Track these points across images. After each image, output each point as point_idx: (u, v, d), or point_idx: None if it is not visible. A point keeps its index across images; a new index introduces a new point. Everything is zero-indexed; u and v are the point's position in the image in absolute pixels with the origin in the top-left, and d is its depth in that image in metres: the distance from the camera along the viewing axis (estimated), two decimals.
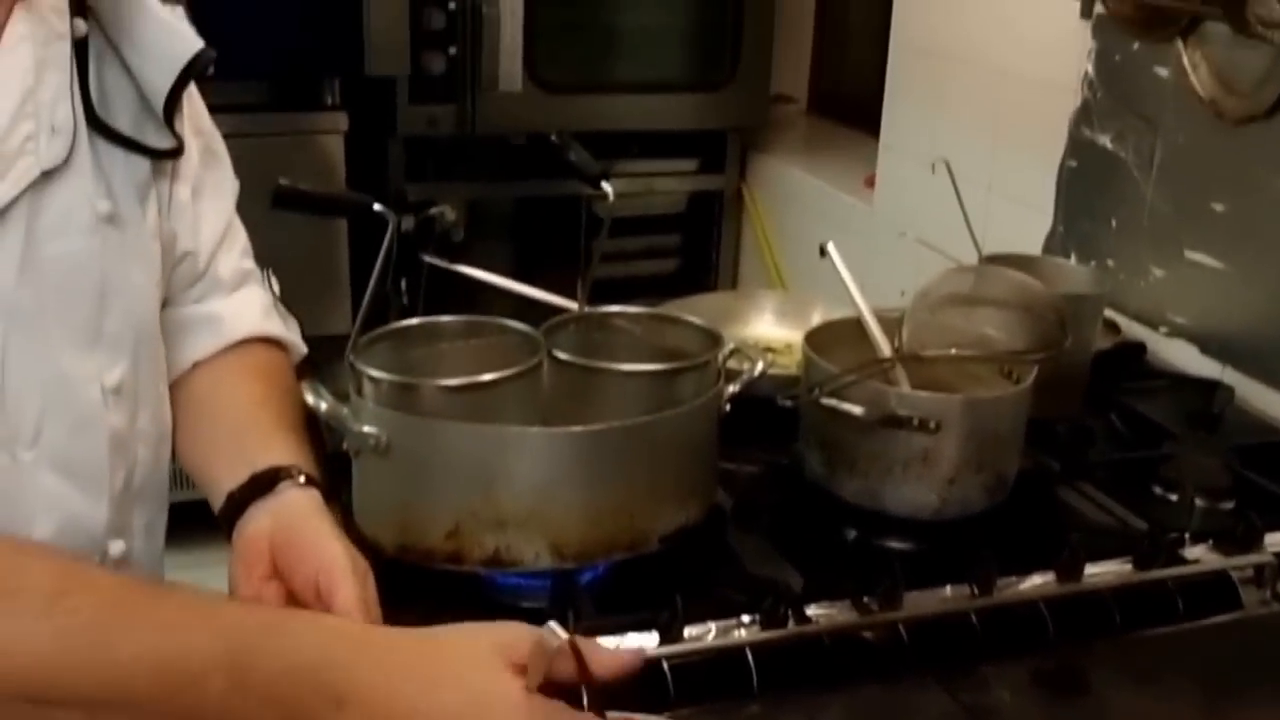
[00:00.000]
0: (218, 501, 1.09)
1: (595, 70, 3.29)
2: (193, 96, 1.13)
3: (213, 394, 1.16)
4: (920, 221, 2.50)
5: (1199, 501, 1.54)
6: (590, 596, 1.27)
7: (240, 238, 1.22)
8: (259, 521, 1.04)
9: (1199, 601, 1.27)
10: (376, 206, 1.29)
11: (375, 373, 1.28)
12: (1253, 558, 1.32)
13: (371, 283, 1.46)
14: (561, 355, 1.34)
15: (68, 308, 0.99)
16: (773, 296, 1.97)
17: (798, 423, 1.50)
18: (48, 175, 0.96)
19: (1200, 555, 1.34)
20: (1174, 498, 1.55)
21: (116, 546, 1.06)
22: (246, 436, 1.11)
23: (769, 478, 1.54)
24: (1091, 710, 1.07)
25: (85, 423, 1.01)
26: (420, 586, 1.24)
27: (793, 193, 3.33)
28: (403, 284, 2.82)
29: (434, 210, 3.00)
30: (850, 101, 3.72)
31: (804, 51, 3.90)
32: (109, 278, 1.01)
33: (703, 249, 3.65)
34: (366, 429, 1.24)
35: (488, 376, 1.29)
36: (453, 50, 3.06)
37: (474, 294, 1.82)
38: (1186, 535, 1.38)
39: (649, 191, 3.50)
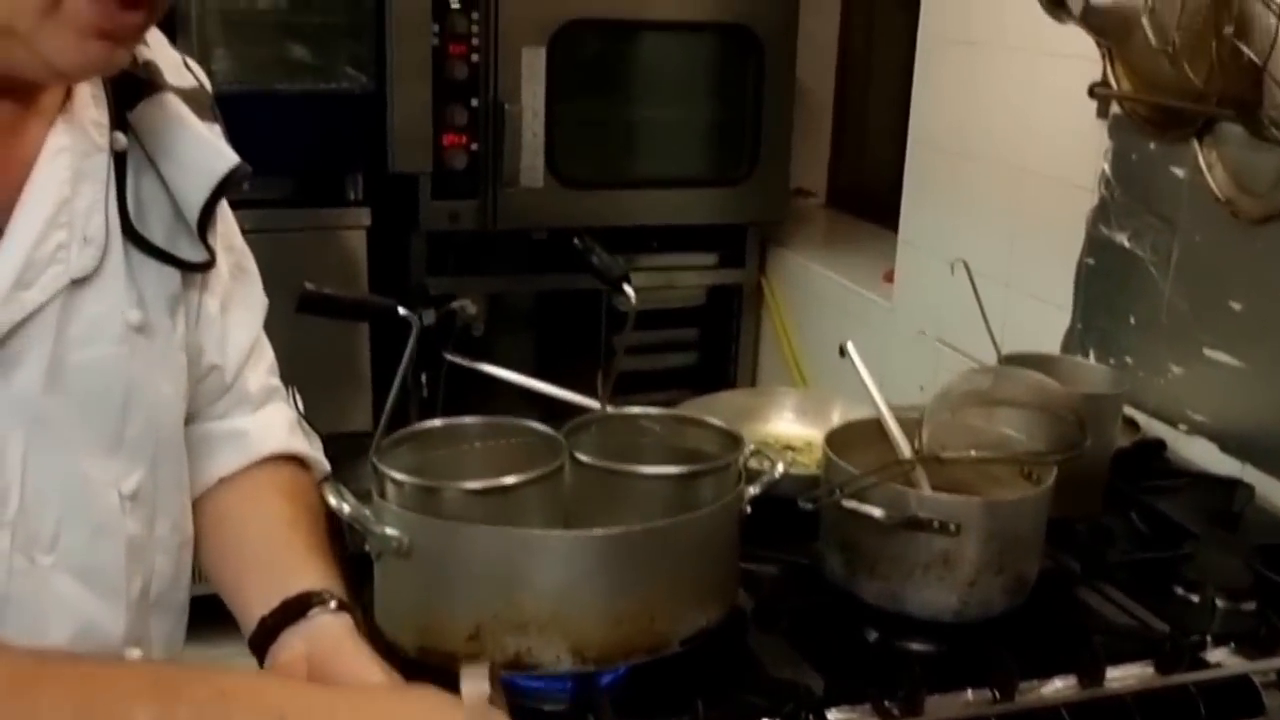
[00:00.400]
0: (249, 625, 1.09)
1: (615, 166, 3.33)
2: (225, 214, 1.15)
3: (239, 512, 1.17)
4: (939, 318, 2.53)
5: (1220, 602, 1.53)
6: (611, 700, 1.27)
7: (267, 354, 1.24)
8: (293, 648, 1.05)
9: (1221, 706, 1.27)
10: (401, 310, 1.31)
11: (398, 475, 1.29)
12: (1275, 661, 1.32)
13: (395, 385, 1.48)
14: (583, 457, 1.35)
15: (91, 414, 1.00)
16: (793, 394, 1.98)
17: (818, 523, 1.51)
18: (78, 283, 0.98)
19: (1222, 659, 1.34)
20: (1195, 598, 1.55)
21: (134, 654, 1.06)
22: (276, 560, 1.12)
23: (789, 579, 1.54)
24: None
25: (103, 528, 1.02)
26: (441, 688, 1.24)
27: (812, 287, 3.35)
28: (424, 379, 2.85)
29: (455, 305, 3.01)
30: (869, 196, 3.76)
31: (823, 146, 3.95)
32: (134, 386, 1.03)
33: (722, 343, 3.66)
34: (389, 531, 1.25)
35: (509, 479, 1.30)
36: (475, 147, 3.11)
37: (495, 389, 1.84)
38: (1208, 637, 1.38)
39: (669, 286, 3.53)
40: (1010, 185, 2.44)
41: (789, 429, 1.91)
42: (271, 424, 1.21)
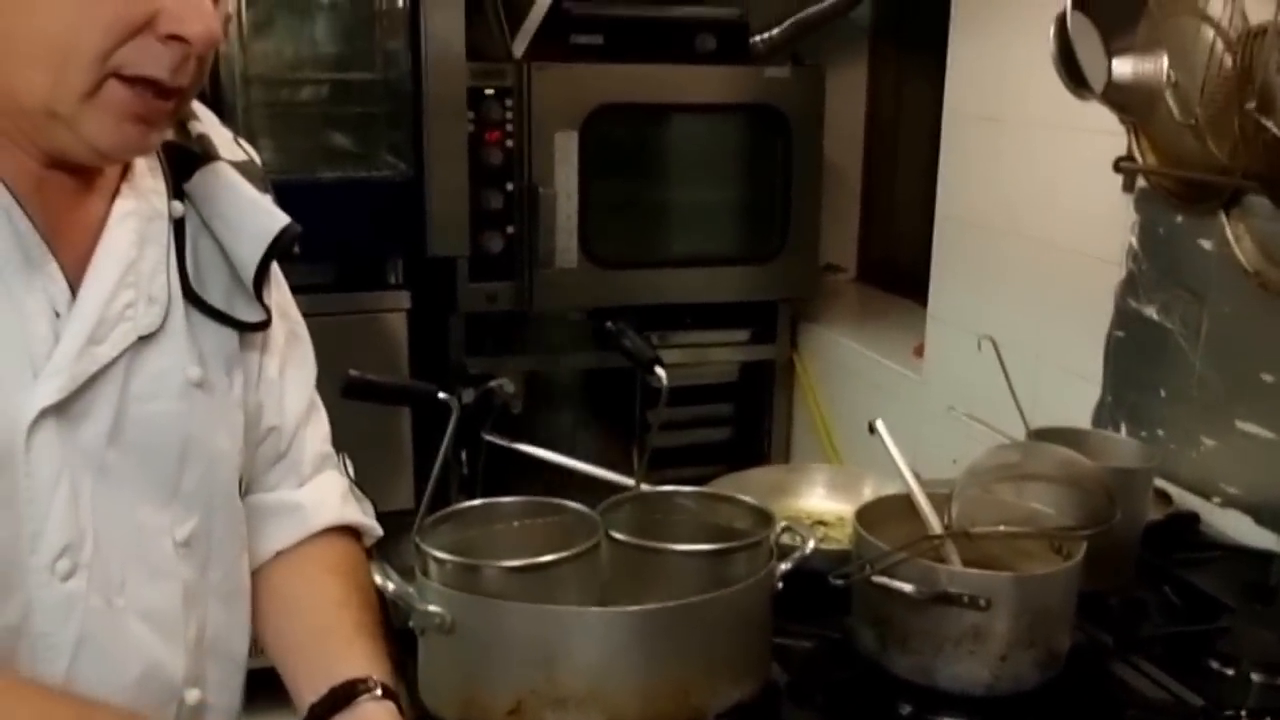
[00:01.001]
0: (301, 709, 1.13)
1: (648, 245, 3.37)
2: (281, 284, 1.20)
3: (293, 591, 1.21)
4: (969, 393, 2.54)
5: (1256, 676, 1.53)
6: None
7: (323, 421, 1.28)
8: None
9: None
10: (441, 395, 1.35)
11: (440, 554, 1.33)
12: None
13: (436, 466, 1.52)
14: (618, 535, 1.38)
15: (149, 465, 1.05)
16: (824, 470, 2.00)
17: (849, 597, 1.53)
18: (144, 340, 1.04)
19: None
20: (1230, 673, 1.55)
21: (193, 695, 1.11)
22: (327, 642, 1.16)
23: (822, 653, 1.55)
24: None
25: (160, 573, 1.07)
26: None
27: (843, 362, 3.38)
28: (464, 457, 2.89)
29: (493, 384, 3.07)
30: (898, 270, 3.79)
31: (852, 221, 3.99)
32: (192, 440, 1.08)
33: (755, 418, 3.69)
34: (432, 608, 1.28)
35: (547, 558, 1.34)
36: (510, 230, 3.16)
37: (533, 466, 1.87)
38: (1243, 712, 1.39)
39: (703, 362, 3.56)
40: (1038, 259, 2.47)
41: (821, 504, 1.93)
42: (324, 495, 1.25)
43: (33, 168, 0.99)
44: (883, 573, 1.40)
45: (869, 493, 1.85)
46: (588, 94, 3.14)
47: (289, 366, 1.21)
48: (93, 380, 1.00)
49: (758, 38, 3.36)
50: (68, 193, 1.02)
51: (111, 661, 1.02)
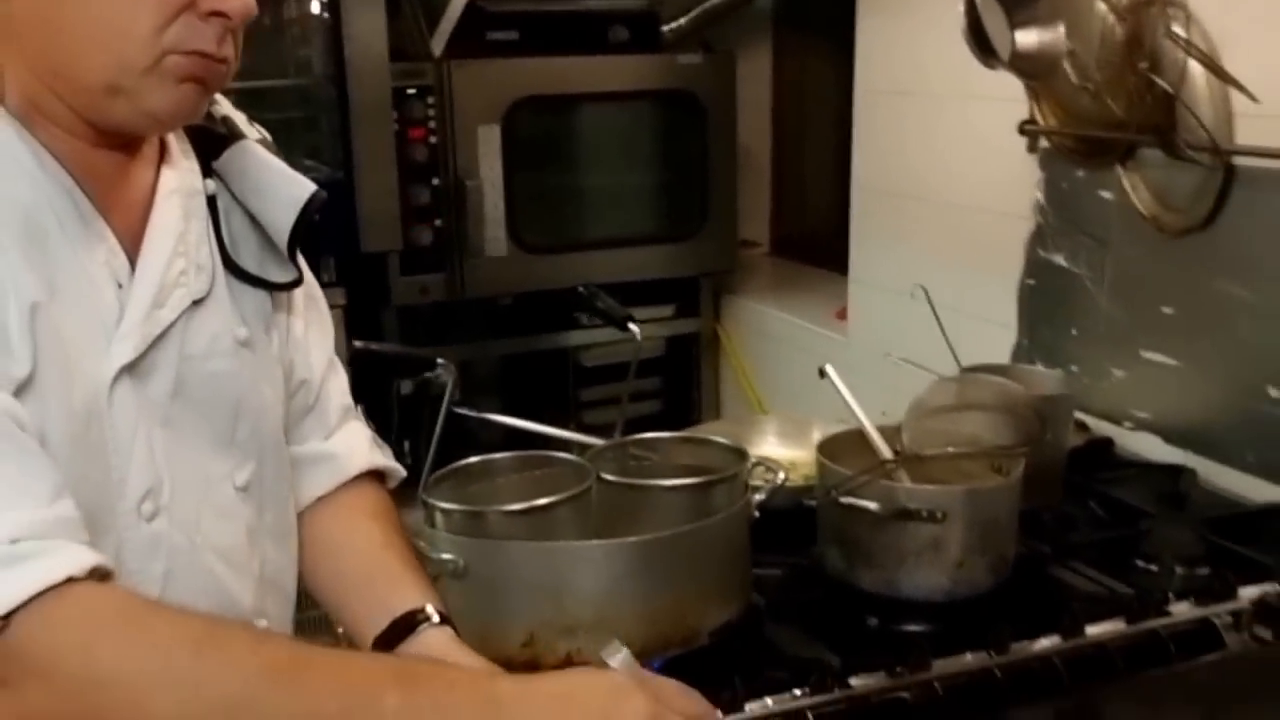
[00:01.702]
0: (362, 643, 1.24)
1: (573, 230, 3.50)
2: (300, 259, 1.31)
3: (336, 538, 1.32)
4: (893, 347, 2.70)
5: (1178, 569, 1.71)
6: None
7: (343, 376, 1.39)
8: None
9: (1188, 646, 1.44)
10: (439, 361, 1.47)
11: (447, 505, 1.45)
12: (1230, 605, 1.50)
13: (436, 429, 1.65)
14: (609, 477, 1.51)
15: (209, 418, 1.16)
16: (773, 420, 2.15)
17: (812, 529, 1.67)
18: (197, 304, 1.15)
19: (1185, 610, 1.52)
20: (1155, 568, 1.73)
21: (261, 624, 1.21)
22: (378, 580, 1.27)
23: (793, 578, 1.69)
24: None
25: (226, 514, 1.18)
26: None
27: (767, 330, 3.54)
28: (405, 446, 2.99)
29: (430, 374, 3.17)
30: (810, 242, 3.97)
31: (763, 199, 4.16)
32: (244, 394, 1.19)
33: (684, 389, 3.83)
34: (445, 556, 1.40)
35: (545, 500, 1.47)
36: (439, 223, 3.27)
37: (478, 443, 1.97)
38: (1170, 594, 1.56)
39: (631, 339, 3.69)
40: (952, 219, 2.64)
41: (773, 451, 2.07)
42: (353, 443, 1.36)
43: (83, 149, 1.09)
44: (848, 494, 1.55)
45: (817, 436, 2.00)
46: (507, 88, 3.26)
47: (310, 325, 1.32)
48: (156, 342, 1.10)
49: (667, 27, 3.50)
50: (115, 172, 1.12)
51: (194, 594, 1.13)
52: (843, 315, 3.19)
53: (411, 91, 3.16)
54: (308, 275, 1.33)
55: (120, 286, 1.09)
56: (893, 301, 2.83)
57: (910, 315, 2.67)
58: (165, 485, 1.11)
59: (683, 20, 3.51)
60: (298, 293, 1.29)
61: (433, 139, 3.21)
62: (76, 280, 1.06)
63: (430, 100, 3.19)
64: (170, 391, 1.12)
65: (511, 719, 0.97)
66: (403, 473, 1.41)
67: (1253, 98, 1.81)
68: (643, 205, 3.61)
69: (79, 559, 0.95)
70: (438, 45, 3.20)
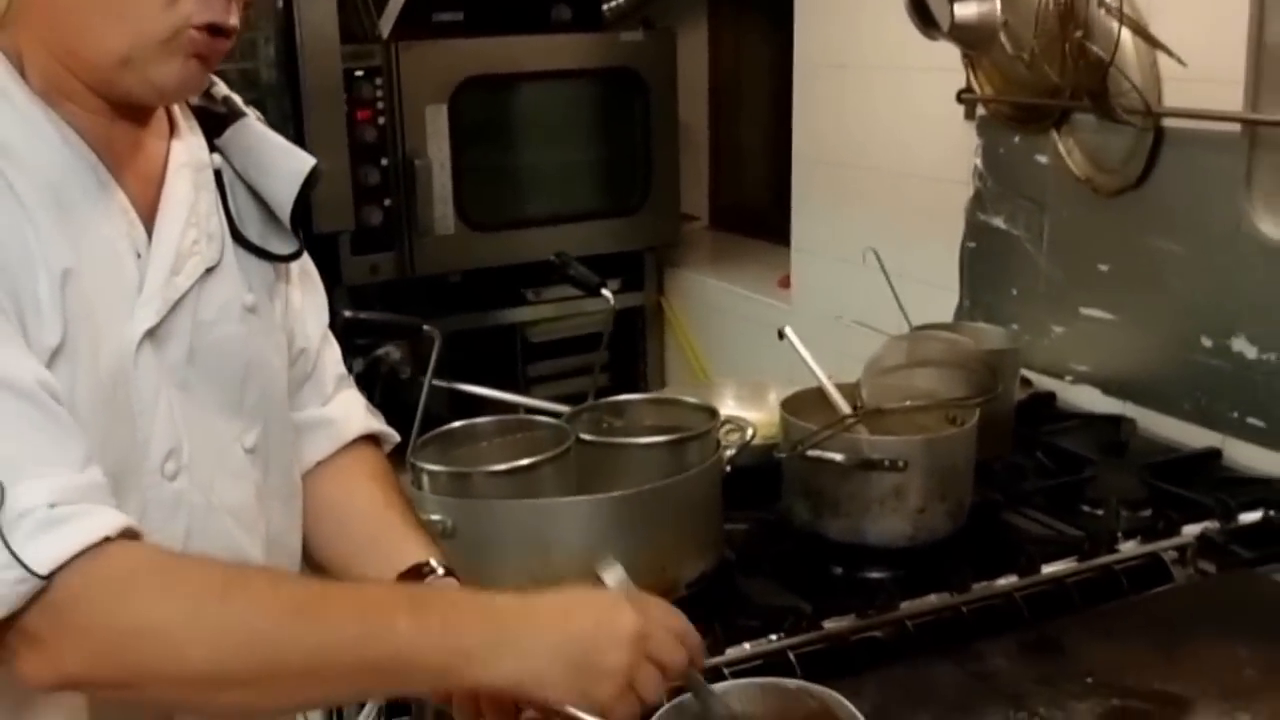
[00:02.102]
0: None
1: (520, 207, 3.54)
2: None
3: (338, 499, 1.36)
4: (837, 311, 2.79)
5: (1122, 511, 1.80)
6: None
7: (335, 347, 1.43)
8: None
9: (1139, 580, 1.54)
10: (425, 327, 1.53)
11: (434, 467, 1.51)
12: (1175, 541, 1.59)
13: (423, 394, 1.70)
14: (587, 437, 1.58)
15: (219, 382, 1.20)
16: (731, 384, 2.22)
17: (775, 485, 1.75)
18: (209, 273, 1.19)
19: (1132, 548, 1.61)
20: (1100, 512, 1.82)
21: None
22: (381, 540, 1.31)
23: (760, 532, 1.77)
24: (1071, 663, 1.31)
25: (237, 474, 1.22)
26: None
27: (711, 301, 3.61)
28: None
29: (379, 352, 3.21)
30: (749, 214, 4.04)
31: (702, 173, 4.22)
32: (252, 359, 1.23)
33: (630, 362, 3.90)
34: (434, 516, 1.46)
35: (527, 460, 1.53)
36: (388, 202, 3.30)
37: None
38: (1119, 534, 1.66)
39: (577, 313, 3.74)
40: (893, 187, 2.73)
41: (733, 413, 2.14)
42: (349, 409, 1.40)
43: (101, 123, 1.12)
44: (814, 448, 1.62)
45: (773, 398, 2.08)
46: (453, 68, 3.29)
47: (305, 296, 1.36)
48: (174, 308, 1.14)
49: (607, 5, 3.55)
50: (130, 145, 1.16)
51: (211, 551, 1.16)
52: (785, 284, 3.27)
53: (360, 73, 3.18)
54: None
55: (139, 256, 1.13)
56: (835, 268, 2.92)
57: (853, 280, 2.76)
58: (184, 446, 1.15)
59: None
60: (294, 265, 1.33)
61: (381, 119, 3.24)
62: (101, 249, 1.10)
63: (378, 81, 3.21)
64: (186, 356, 1.16)
65: (512, 629, 1.04)
66: (396, 437, 1.45)
67: (1181, 62, 1.90)
68: (587, 181, 3.66)
69: (112, 520, 0.99)
70: (385, 26, 3.22)
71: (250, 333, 1.23)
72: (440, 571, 1.25)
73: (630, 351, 3.90)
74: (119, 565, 0.99)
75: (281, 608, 1.02)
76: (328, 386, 1.39)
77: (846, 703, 1.03)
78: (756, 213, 3.97)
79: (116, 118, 1.13)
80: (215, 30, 1.10)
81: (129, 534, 1.01)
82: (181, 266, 1.15)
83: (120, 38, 1.08)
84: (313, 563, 1.36)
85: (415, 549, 1.27)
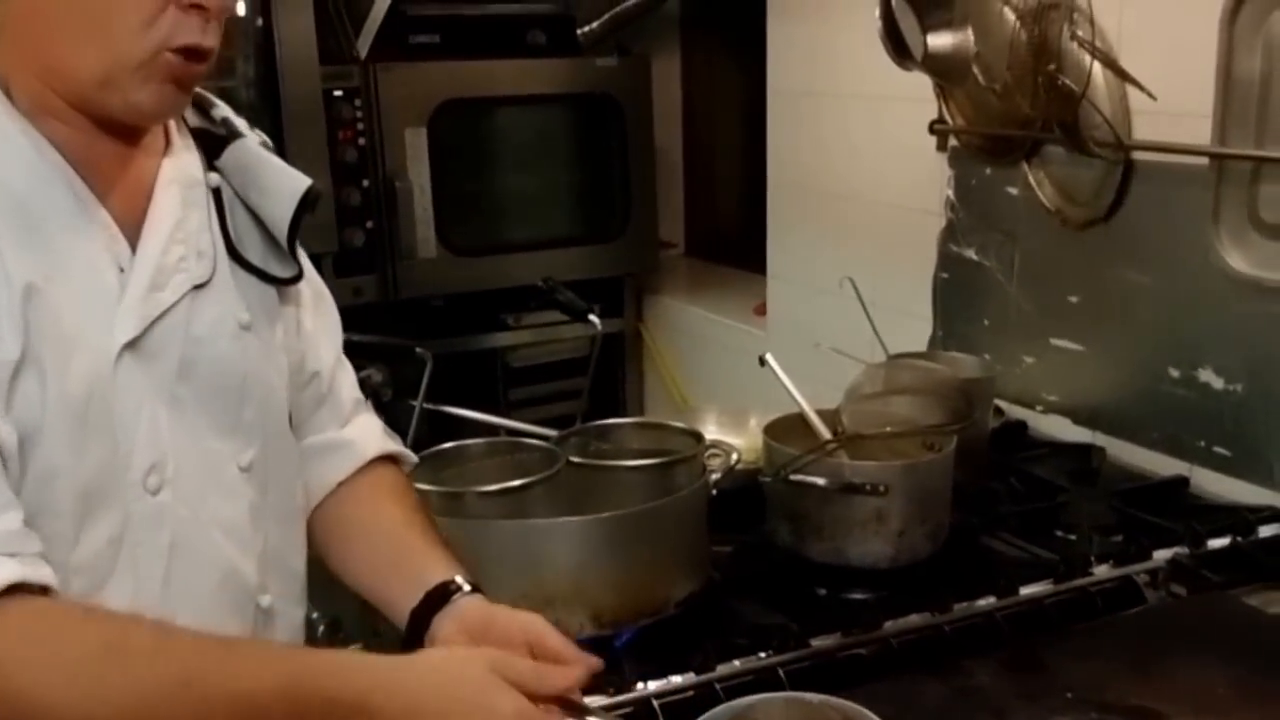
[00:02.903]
0: (399, 619, 1.30)
1: (500, 232, 3.58)
2: (301, 253, 1.38)
3: (361, 518, 1.39)
4: (813, 339, 2.84)
5: (1095, 537, 1.86)
6: (629, 657, 1.53)
7: (351, 371, 1.46)
8: (446, 628, 1.25)
9: (1113, 602, 1.59)
10: (417, 350, 1.56)
11: (426, 486, 1.55)
12: (1148, 564, 1.65)
13: (415, 415, 1.73)
14: (577, 459, 1.62)
15: (214, 400, 1.22)
16: (712, 410, 2.26)
17: (757, 509, 1.79)
18: (198, 289, 1.21)
19: (1106, 571, 1.66)
20: (1074, 537, 1.87)
21: (265, 600, 1.28)
22: (406, 557, 1.33)
23: (745, 554, 1.81)
24: (1051, 679, 1.36)
25: (231, 492, 1.24)
26: None
27: (689, 328, 3.66)
28: None
29: (362, 374, 3.24)
30: (724, 242, 4.10)
31: (677, 200, 4.28)
32: (249, 377, 1.25)
33: (610, 388, 3.93)
34: None
35: (519, 482, 1.57)
36: (369, 224, 3.33)
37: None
38: (1092, 558, 1.71)
39: (556, 339, 3.78)
40: (866, 217, 2.78)
41: (714, 438, 2.19)
42: (368, 431, 1.43)
43: (85, 140, 1.15)
44: (797, 472, 1.67)
45: (754, 424, 2.13)
46: (432, 91, 3.34)
47: (318, 319, 1.39)
48: (159, 323, 1.16)
49: (581, 31, 3.60)
50: (116, 162, 1.18)
51: (199, 566, 1.19)
52: (761, 311, 3.32)
53: (339, 93, 3.22)
54: (311, 272, 1.41)
55: (122, 270, 1.15)
56: (810, 296, 2.97)
57: (828, 308, 2.81)
58: (170, 461, 1.17)
59: (595, 24, 3.61)
60: (305, 289, 1.36)
61: (361, 140, 3.27)
62: (76, 264, 1.12)
63: (357, 102, 3.25)
64: (176, 371, 1.18)
65: None
66: (414, 459, 1.47)
67: (1151, 95, 1.96)
68: (565, 207, 3.71)
69: (8, 573, 1.01)
70: (363, 47, 3.26)
71: (246, 351, 1.24)
72: (467, 589, 1.27)
73: (610, 377, 3.93)
74: (6, 623, 1.01)
75: (155, 685, 1.03)
76: (345, 409, 1.42)
77: (871, 715, 1.07)
78: (732, 240, 4.02)
79: (101, 135, 1.16)
80: (192, 54, 1.13)
81: (32, 588, 1.02)
82: (165, 282, 1.17)
83: (99, 59, 1.11)
84: (346, 582, 1.39)
85: (440, 567, 1.30)
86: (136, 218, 1.19)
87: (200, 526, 1.20)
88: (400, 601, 1.28)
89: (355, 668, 1.09)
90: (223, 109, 1.32)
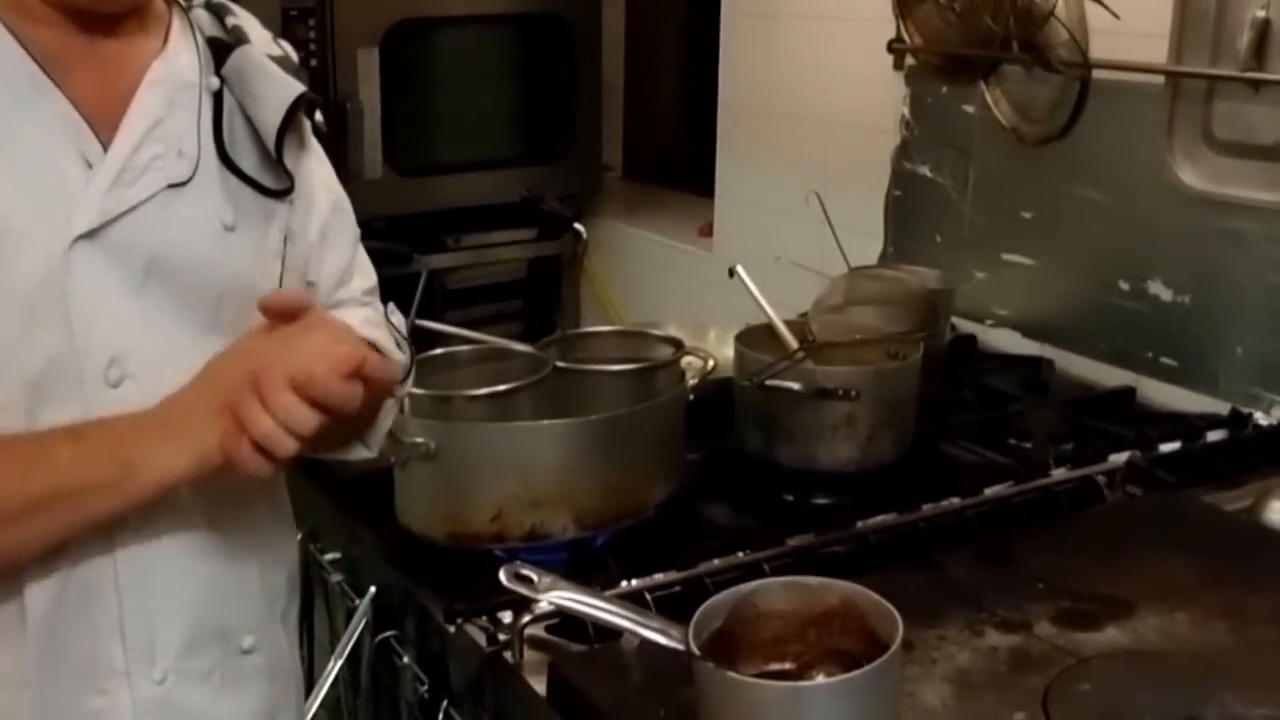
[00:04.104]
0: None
1: (445, 153, 3.57)
2: (324, 161, 1.38)
3: None
4: (761, 259, 2.88)
5: (1049, 444, 1.92)
6: (612, 556, 1.56)
7: (360, 278, 1.45)
8: None
9: (1074, 500, 1.66)
10: (414, 255, 1.57)
11: (416, 390, 1.56)
12: (1104, 466, 1.72)
13: (411, 316, 1.75)
14: (563, 364, 1.65)
15: (191, 299, 1.21)
16: (671, 325, 2.27)
17: (724, 418, 1.83)
18: (175, 189, 1.20)
19: (1065, 473, 1.73)
20: (1029, 445, 1.93)
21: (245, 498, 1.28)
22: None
23: (713, 461, 1.84)
24: (1022, 571, 1.42)
25: None
26: (466, 572, 1.50)
27: (631, 250, 3.67)
28: None
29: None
30: (664, 165, 4.12)
31: (617, 123, 4.27)
32: (231, 279, 1.24)
33: (545, 311, 3.95)
34: (416, 439, 1.52)
35: (507, 385, 1.60)
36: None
37: None
38: (1051, 461, 1.77)
39: (495, 261, 3.78)
40: (819, 136, 2.81)
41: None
42: (346, 317, 1.42)
43: (55, 36, 1.15)
44: (773, 378, 1.71)
45: (713, 336, 2.17)
46: (385, 11, 3.29)
47: (330, 233, 1.39)
48: (125, 218, 1.16)
49: None
50: (93, 59, 1.18)
51: None
52: (706, 232, 3.34)
53: (294, 13, 3.17)
54: (331, 179, 1.40)
55: (90, 166, 1.15)
56: (760, 216, 3.00)
57: (778, 227, 2.86)
58: (134, 355, 1.17)
59: None
60: (321, 198, 1.36)
61: (313, 61, 3.23)
62: (30, 155, 1.13)
63: (312, 23, 3.21)
64: (144, 268, 1.17)
65: (170, 426, 1.13)
66: (399, 356, 1.46)
67: (1115, 15, 2.01)
68: (509, 128, 3.70)
69: None
70: None
71: (229, 253, 1.24)
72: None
73: (546, 301, 3.95)
74: None
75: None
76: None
77: (869, 592, 1.11)
78: (672, 162, 4.04)
79: (75, 30, 1.16)
80: None
81: None
82: (135, 180, 1.17)
83: None
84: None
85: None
86: (115, 115, 1.18)
87: None
88: None
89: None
90: (238, 17, 1.32)
